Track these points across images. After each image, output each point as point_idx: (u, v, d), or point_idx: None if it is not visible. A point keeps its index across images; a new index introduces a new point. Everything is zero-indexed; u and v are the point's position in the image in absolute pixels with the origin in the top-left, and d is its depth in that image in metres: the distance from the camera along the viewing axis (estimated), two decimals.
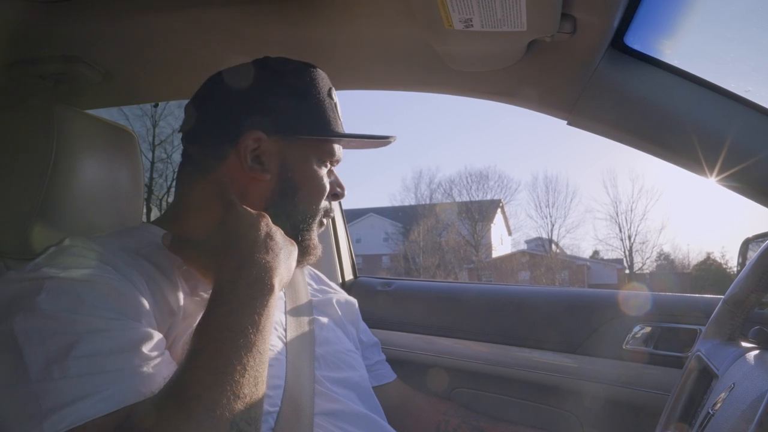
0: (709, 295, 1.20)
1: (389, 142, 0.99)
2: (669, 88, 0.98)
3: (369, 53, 1.14)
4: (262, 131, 0.87)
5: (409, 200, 29.02)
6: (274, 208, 0.88)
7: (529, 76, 1.08)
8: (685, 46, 1.03)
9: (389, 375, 1.17)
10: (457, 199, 27.76)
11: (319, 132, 0.90)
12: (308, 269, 1.15)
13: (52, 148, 0.91)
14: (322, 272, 1.20)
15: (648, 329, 1.19)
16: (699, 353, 0.84)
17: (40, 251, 0.76)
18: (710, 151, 0.96)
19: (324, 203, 0.93)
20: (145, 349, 0.66)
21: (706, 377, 0.81)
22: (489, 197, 27.93)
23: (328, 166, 0.95)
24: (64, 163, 0.93)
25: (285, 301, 0.97)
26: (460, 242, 26.29)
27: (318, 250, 0.94)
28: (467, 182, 28.20)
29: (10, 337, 0.61)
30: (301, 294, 1.02)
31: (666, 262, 26.90)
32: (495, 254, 26.93)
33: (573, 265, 25.85)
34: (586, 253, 28.46)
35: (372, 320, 1.25)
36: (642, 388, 1.17)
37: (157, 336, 0.69)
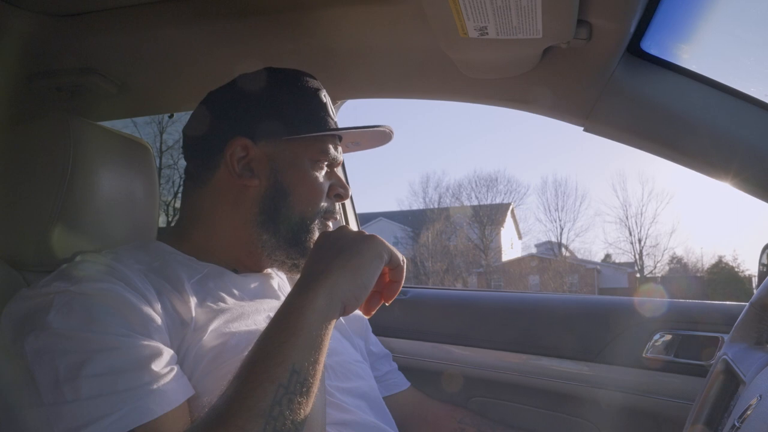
0: (731, 302, 1.18)
1: (384, 131, 0.98)
2: (686, 93, 0.98)
3: (383, 62, 1.14)
4: (248, 138, 0.89)
5: (418, 204, 28.99)
6: (268, 212, 0.90)
7: (544, 82, 1.07)
8: (703, 51, 1.02)
9: (402, 383, 1.16)
10: (467, 203, 27.68)
11: (304, 131, 0.91)
12: None
13: (69, 161, 0.92)
14: None
15: (668, 337, 1.17)
16: (725, 357, 0.82)
17: (56, 264, 0.76)
18: (728, 154, 0.95)
19: (323, 204, 0.93)
20: (156, 366, 0.65)
21: (733, 382, 0.79)
22: (498, 201, 27.79)
23: (324, 167, 0.94)
24: (80, 175, 0.93)
25: None
26: (469, 246, 26.16)
27: None
28: (476, 186, 28.11)
29: (22, 357, 0.62)
30: None
31: (679, 266, 26.57)
32: (504, 258, 26.77)
33: (582, 268, 25.63)
34: (597, 257, 28.20)
35: (388, 329, 1.24)
36: (663, 396, 1.15)
37: (168, 352, 0.69)
